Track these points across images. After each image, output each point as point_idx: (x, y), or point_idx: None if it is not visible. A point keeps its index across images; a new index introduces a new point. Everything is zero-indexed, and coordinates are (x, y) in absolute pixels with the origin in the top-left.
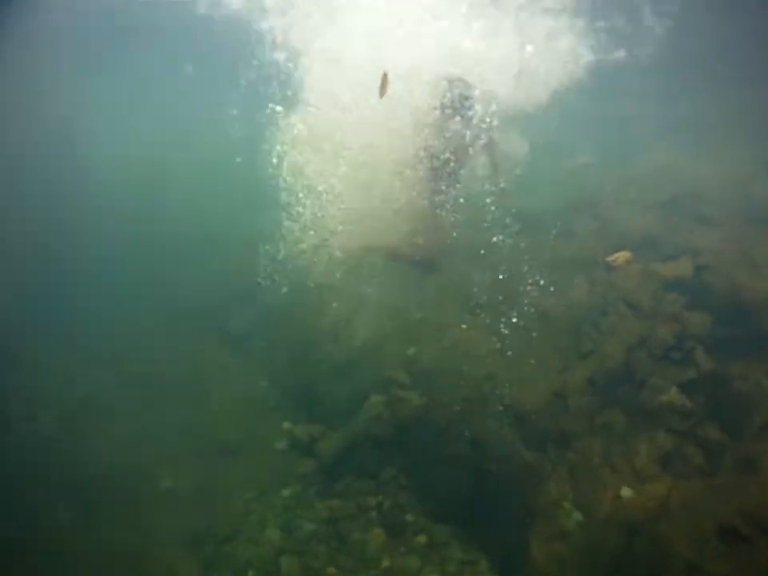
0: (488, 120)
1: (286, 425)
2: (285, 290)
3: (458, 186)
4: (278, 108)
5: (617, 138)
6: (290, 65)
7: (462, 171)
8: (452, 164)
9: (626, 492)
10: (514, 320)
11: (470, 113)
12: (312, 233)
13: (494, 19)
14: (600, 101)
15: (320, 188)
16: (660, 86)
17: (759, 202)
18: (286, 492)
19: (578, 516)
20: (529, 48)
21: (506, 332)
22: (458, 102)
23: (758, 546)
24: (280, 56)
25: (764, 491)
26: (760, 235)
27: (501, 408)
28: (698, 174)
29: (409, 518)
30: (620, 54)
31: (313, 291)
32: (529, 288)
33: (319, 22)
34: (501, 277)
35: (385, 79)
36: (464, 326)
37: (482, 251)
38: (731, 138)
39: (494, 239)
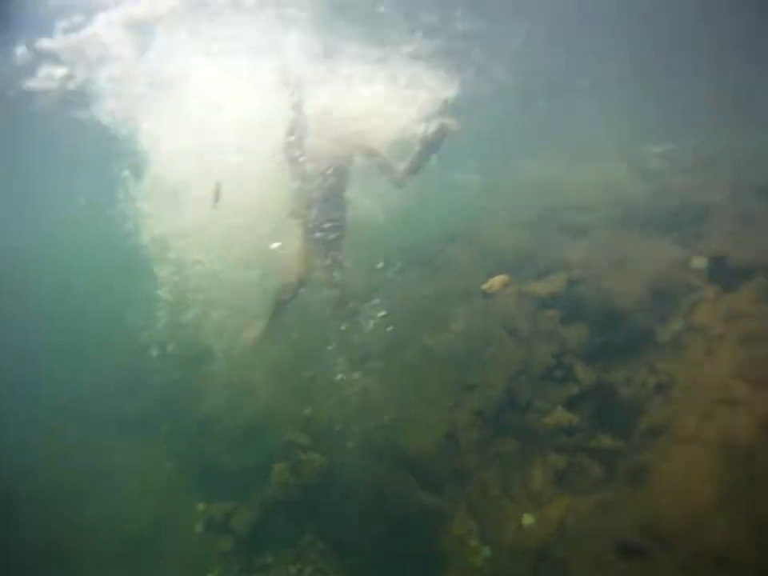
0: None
1: (201, 506)
2: (174, 365)
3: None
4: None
5: (488, 162)
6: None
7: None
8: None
9: (527, 519)
10: (402, 363)
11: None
12: (191, 299)
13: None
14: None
15: (189, 252)
16: (524, 108)
17: (626, 204)
18: None
19: (486, 551)
20: (390, 89)
21: (396, 377)
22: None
23: (655, 559)
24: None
25: (656, 501)
26: (628, 237)
27: (396, 456)
28: (568, 186)
29: None
30: (483, 84)
31: (203, 360)
32: (414, 327)
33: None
34: (386, 319)
35: (218, 188)
36: (356, 376)
37: (369, 291)
38: (598, 146)
39: (378, 278)
